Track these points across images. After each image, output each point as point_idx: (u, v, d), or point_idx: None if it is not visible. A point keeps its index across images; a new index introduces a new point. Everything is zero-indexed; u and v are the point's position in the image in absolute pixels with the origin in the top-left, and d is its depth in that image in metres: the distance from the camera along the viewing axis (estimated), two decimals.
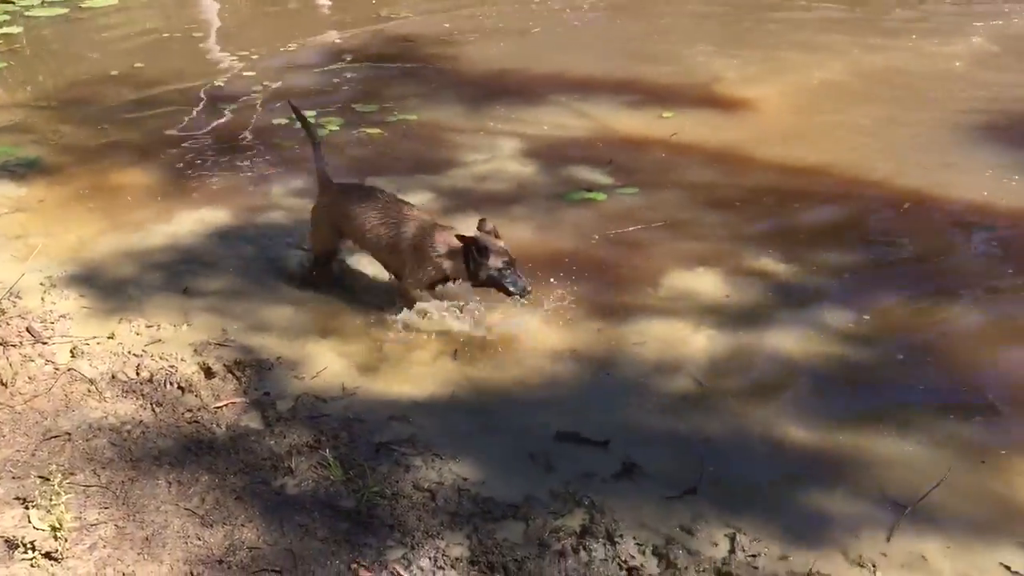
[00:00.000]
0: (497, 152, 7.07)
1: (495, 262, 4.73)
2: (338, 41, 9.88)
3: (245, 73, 8.88)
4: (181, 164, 6.97)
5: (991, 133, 7.15)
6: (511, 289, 4.76)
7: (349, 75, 8.80)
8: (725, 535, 3.57)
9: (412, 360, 4.69)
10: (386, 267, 5.20)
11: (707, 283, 5.31)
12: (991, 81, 8.20)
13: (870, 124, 7.42)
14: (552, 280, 5.25)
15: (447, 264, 4.86)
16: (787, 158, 6.85)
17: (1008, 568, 3.42)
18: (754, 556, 3.48)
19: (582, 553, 3.49)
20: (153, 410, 4.26)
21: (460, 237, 4.81)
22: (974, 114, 7.48)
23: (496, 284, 4.79)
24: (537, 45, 9.62)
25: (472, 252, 4.74)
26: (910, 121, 7.44)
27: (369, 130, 7.44)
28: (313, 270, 5.39)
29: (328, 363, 4.62)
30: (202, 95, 8.39)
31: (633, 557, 3.48)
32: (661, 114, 7.62)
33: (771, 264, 5.49)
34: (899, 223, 5.98)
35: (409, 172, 6.70)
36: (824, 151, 6.92)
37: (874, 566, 3.43)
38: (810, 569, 3.40)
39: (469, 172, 6.82)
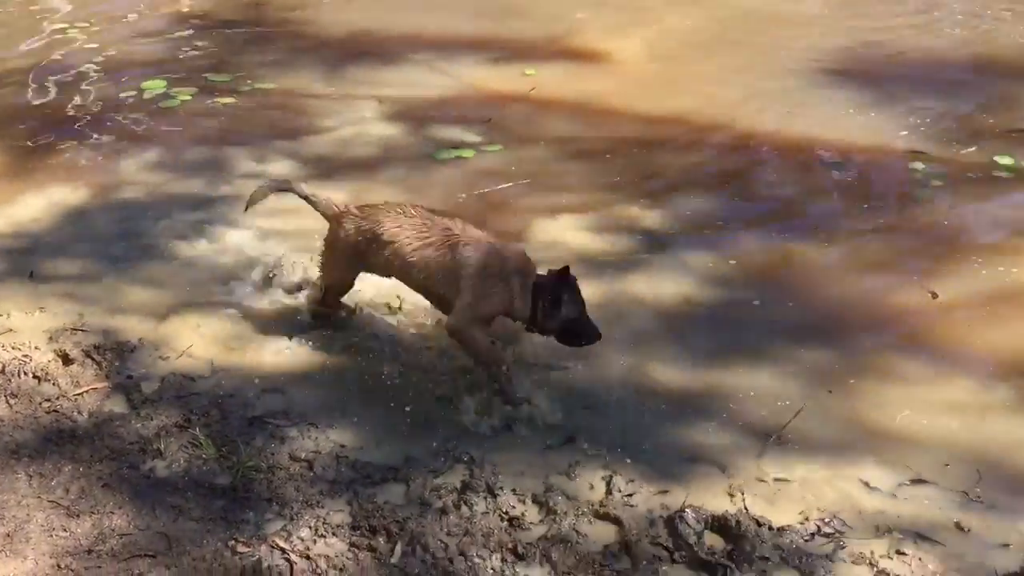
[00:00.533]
0: (359, 116, 6.94)
1: (570, 311, 4.04)
2: (185, 10, 9.44)
3: (87, 45, 8.40)
4: (22, 142, 6.58)
5: (847, 74, 7.43)
6: (582, 342, 4.13)
7: (198, 42, 8.43)
8: (602, 478, 3.65)
9: (283, 331, 4.58)
10: (429, 297, 4.42)
11: (575, 234, 5.38)
12: (848, 25, 8.47)
13: (729, 70, 7.59)
14: None
15: (518, 301, 4.08)
16: (649, 107, 6.96)
17: (866, 484, 3.61)
18: (630, 495, 3.57)
19: (464, 508, 3.51)
20: (7, 402, 4.04)
21: (549, 274, 4.08)
22: (831, 56, 7.73)
23: (564, 338, 4.13)
24: (393, 5, 9.42)
25: (547, 297, 4.02)
26: (769, 65, 7.64)
27: (223, 100, 7.17)
28: (321, 306, 4.64)
29: (194, 341, 4.47)
30: (42, 69, 7.90)
31: (514, 507, 3.52)
32: (524, 70, 7.61)
33: (637, 212, 5.60)
34: (759, 166, 6.18)
35: (267, 141, 6.52)
36: (685, 99, 7.06)
37: (743, 493, 3.56)
38: (684, 502, 3.51)
39: (331, 137, 6.67)
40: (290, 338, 4.51)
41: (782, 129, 6.56)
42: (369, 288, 4.72)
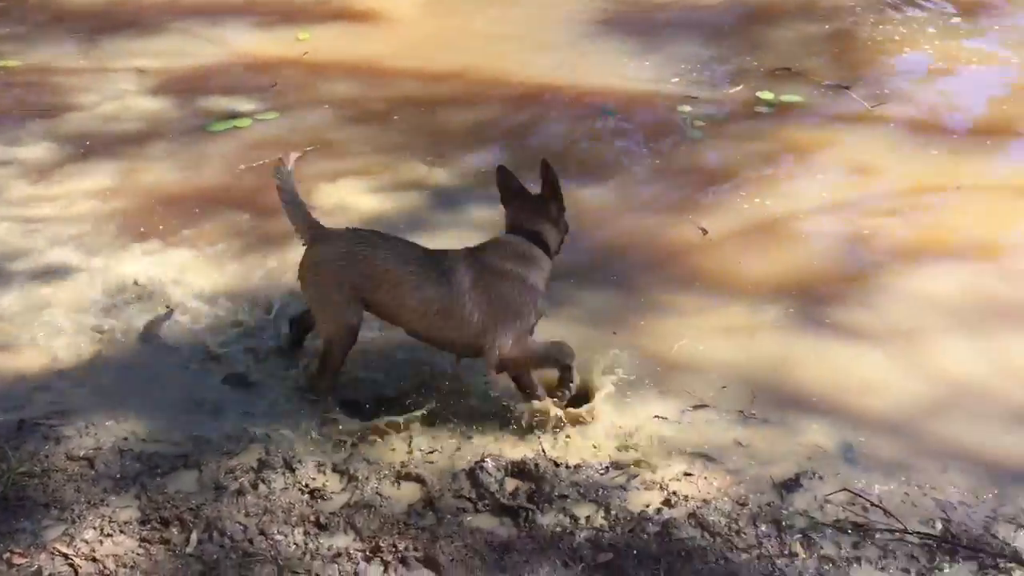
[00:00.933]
0: (121, 90, 6.51)
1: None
2: None
3: None
4: None
5: (618, 25, 7.62)
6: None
7: None
8: (402, 439, 3.64)
9: (51, 325, 4.26)
10: (442, 344, 3.73)
11: (361, 197, 5.29)
12: None
13: (504, 24, 7.63)
14: (204, 218, 5.02)
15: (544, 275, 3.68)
16: (428, 65, 6.91)
17: (656, 415, 3.77)
18: (431, 452, 3.58)
19: (261, 487, 3.41)
20: None
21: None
22: (602, 9, 7.89)
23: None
24: None
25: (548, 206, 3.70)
26: (543, 18, 7.72)
27: None
28: (327, 370, 3.77)
29: None
30: None
31: (314, 479, 3.45)
32: (296, 34, 7.37)
33: (424, 171, 5.57)
34: (539, 118, 6.27)
35: (17, 122, 6.03)
36: (462, 55, 7.05)
37: (540, 437, 3.65)
38: (483, 452, 3.56)
39: (92, 114, 6.23)
40: (61, 334, 4.20)
41: (558, 80, 6.68)
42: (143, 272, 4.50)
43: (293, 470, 3.48)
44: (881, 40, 7.24)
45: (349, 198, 5.28)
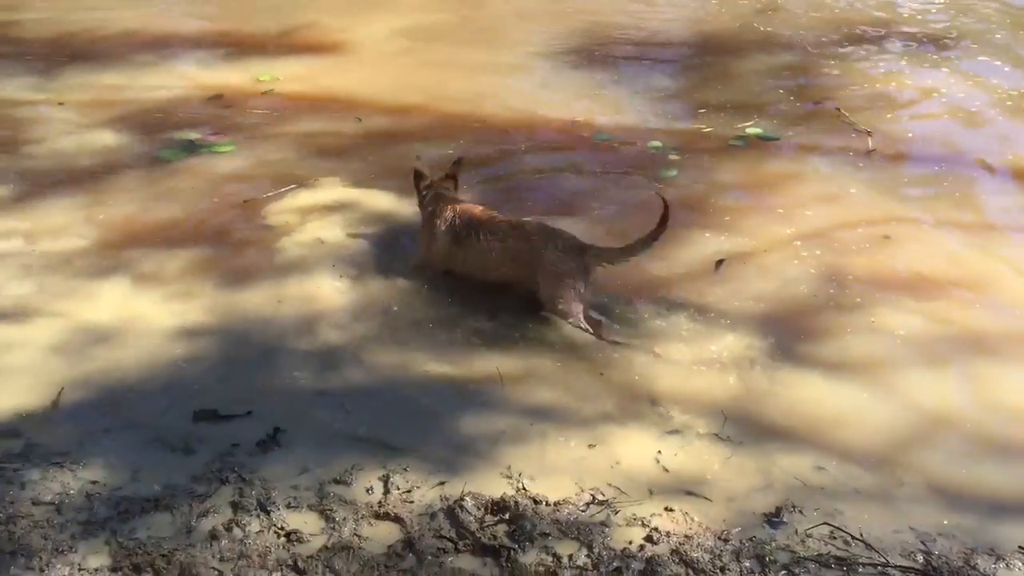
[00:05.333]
0: (79, 123, 6.42)
1: None
2: None
3: None
4: None
5: (585, 59, 7.74)
6: None
7: None
8: (379, 478, 3.58)
9: (11, 367, 4.14)
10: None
11: (331, 232, 5.23)
12: (578, 14, 8.81)
13: (473, 58, 7.67)
14: (169, 253, 4.95)
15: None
16: (393, 98, 6.91)
17: (640, 450, 3.74)
18: (409, 491, 3.52)
19: (236, 530, 3.33)
20: None
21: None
22: (568, 43, 8.00)
23: None
24: (103, 2, 8.74)
25: None
26: (510, 53, 7.83)
27: None
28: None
29: None
30: None
31: (290, 521, 3.38)
32: (258, 67, 7.33)
33: (391, 203, 5.52)
34: (510, 151, 6.24)
35: None
36: (431, 87, 7.07)
37: (519, 474, 3.61)
38: (462, 491, 3.51)
39: (51, 148, 6.14)
40: (18, 373, 4.09)
41: (529, 113, 6.72)
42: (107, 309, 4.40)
43: (268, 512, 3.40)
44: (847, 72, 7.41)
45: (321, 232, 5.22)
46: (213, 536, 3.30)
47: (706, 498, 3.52)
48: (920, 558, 3.27)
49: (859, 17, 8.72)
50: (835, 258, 4.98)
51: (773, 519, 3.43)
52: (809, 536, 3.35)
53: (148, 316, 4.49)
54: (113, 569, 3.15)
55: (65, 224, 5.26)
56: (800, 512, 3.45)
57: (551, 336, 4.40)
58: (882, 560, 3.24)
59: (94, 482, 3.52)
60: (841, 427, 3.88)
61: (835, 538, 3.34)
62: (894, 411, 3.95)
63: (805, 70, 7.58)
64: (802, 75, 7.49)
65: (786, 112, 6.80)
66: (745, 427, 3.85)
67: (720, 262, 4.93)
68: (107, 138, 6.27)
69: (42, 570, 3.13)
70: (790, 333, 4.40)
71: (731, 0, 9.28)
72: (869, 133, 6.37)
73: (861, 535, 3.34)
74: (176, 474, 3.58)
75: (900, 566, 3.22)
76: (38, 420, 3.84)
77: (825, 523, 3.38)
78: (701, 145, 6.33)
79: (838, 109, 6.69)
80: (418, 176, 5.00)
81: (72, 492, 3.47)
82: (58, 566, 3.15)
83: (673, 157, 6.11)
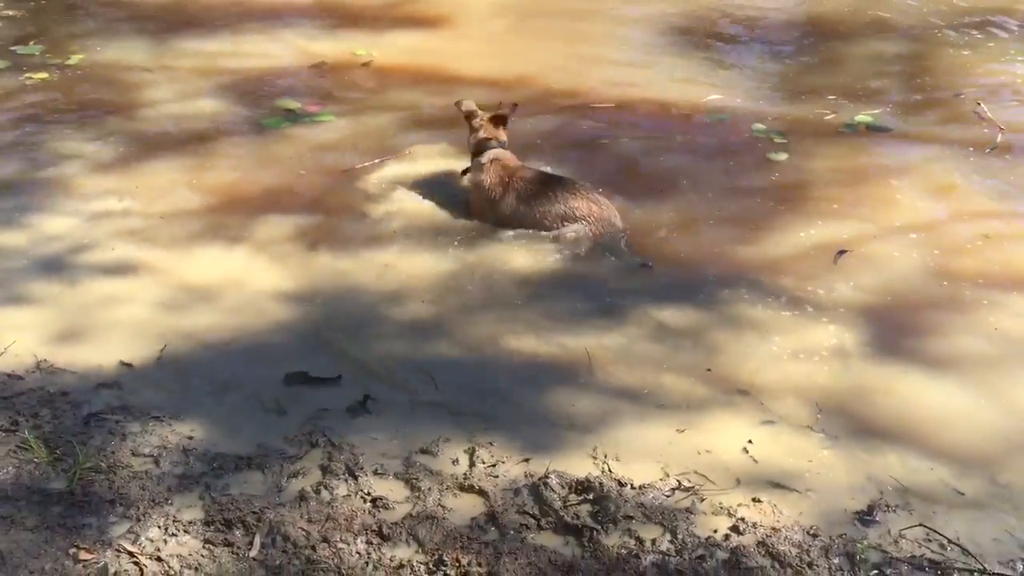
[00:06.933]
0: (189, 89, 6.59)
1: None
2: None
3: None
4: None
5: (689, 40, 7.60)
6: None
7: (1, 12, 7.77)
8: (464, 451, 3.59)
9: (116, 321, 4.30)
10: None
11: (427, 203, 5.26)
12: None
13: (573, 35, 7.59)
14: (269, 218, 5.02)
15: None
16: (494, 73, 6.88)
17: (731, 439, 3.67)
18: (494, 466, 3.52)
19: (324, 493, 3.38)
20: None
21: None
22: (674, 23, 7.84)
23: None
24: None
25: None
26: (611, 32, 7.73)
27: (36, 75, 6.66)
28: None
29: (17, 336, 4.13)
30: None
31: (376, 488, 3.42)
32: (362, 37, 7.39)
33: None
34: (607, 130, 6.17)
35: (92, 119, 6.13)
36: (530, 63, 7.03)
37: (605, 455, 3.58)
38: (547, 468, 3.50)
39: (159, 113, 6.32)
40: (125, 327, 4.24)
41: (632, 90, 6.62)
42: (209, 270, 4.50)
43: (356, 477, 3.45)
44: (963, 61, 7.09)
45: (418, 202, 5.26)
46: (302, 497, 3.36)
47: (796, 491, 3.44)
48: (1020, 567, 3.13)
49: (982, 3, 8.32)
50: (945, 253, 4.79)
51: (865, 517, 3.33)
52: (903, 537, 3.24)
53: (246, 278, 4.60)
54: (206, 523, 3.24)
55: (170, 186, 5.42)
56: (894, 512, 3.34)
57: (645, 320, 4.35)
58: (979, 567, 3.11)
59: (190, 437, 3.63)
60: (942, 428, 3.73)
61: (930, 540, 3.22)
62: (999, 414, 3.79)
63: (920, 57, 7.29)
64: (917, 62, 7.20)
65: (900, 101, 6.55)
66: (841, 421, 3.74)
67: (841, 252, 4.78)
68: (212, 104, 6.42)
69: (139, 519, 3.24)
70: (894, 327, 4.26)
71: None
72: (1001, 128, 6.08)
73: (958, 539, 3.22)
74: (269, 434, 3.66)
75: (998, 574, 3.09)
76: (139, 374, 3.96)
77: (921, 525, 3.27)
78: (808, 130, 6.15)
79: (978, 103, 6.37)
80: (470, 115, 5.29)
81: (170, 446, 3.57)
82: (154, 516, 3.25)
83: (778, 140, 5.95)
